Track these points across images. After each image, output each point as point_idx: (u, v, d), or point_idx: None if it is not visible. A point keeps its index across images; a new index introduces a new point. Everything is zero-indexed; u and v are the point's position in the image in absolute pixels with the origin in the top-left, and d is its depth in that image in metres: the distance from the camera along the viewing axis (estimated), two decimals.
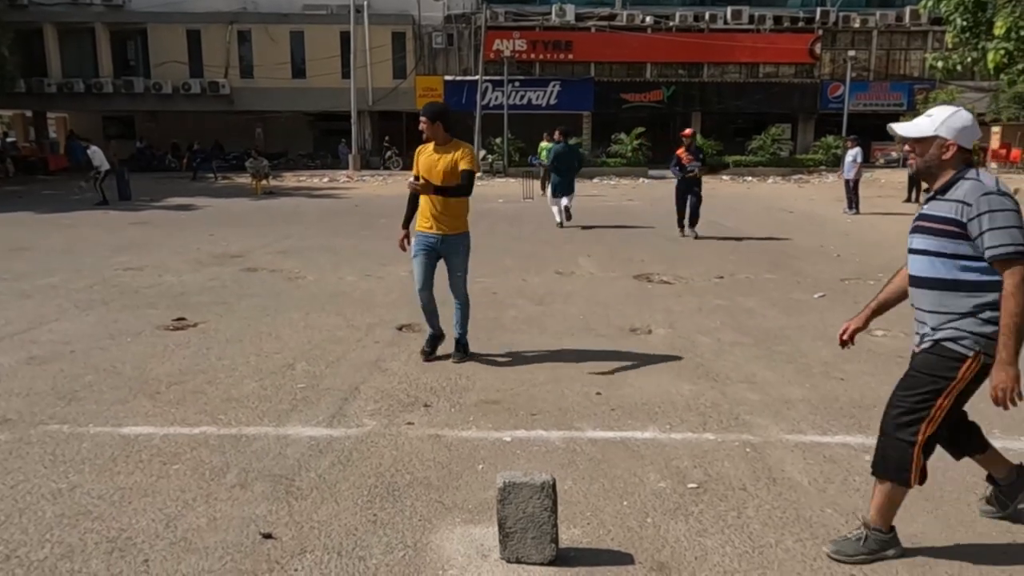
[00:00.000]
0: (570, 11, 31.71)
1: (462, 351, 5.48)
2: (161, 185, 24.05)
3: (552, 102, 32.30)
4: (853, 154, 16.08)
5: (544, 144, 18.45)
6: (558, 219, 13.84)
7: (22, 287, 8.18)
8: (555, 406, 4.53)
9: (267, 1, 31.31)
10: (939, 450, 3.87)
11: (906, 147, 2.83)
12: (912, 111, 30.00)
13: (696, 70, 33.04)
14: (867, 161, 22.86)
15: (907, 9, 31.20)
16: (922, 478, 2.77)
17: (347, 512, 3.25)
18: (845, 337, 3.10)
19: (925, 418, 2.72)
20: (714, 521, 3.17)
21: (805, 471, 3.65)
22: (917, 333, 2.84)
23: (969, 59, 15.62)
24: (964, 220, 2.62)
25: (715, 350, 5.78)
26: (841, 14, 32.43)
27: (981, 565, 2.85)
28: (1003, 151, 29.48)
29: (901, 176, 21.51)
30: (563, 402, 4.60)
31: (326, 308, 7.16)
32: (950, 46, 16.81)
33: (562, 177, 13.85)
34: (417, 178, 5.14)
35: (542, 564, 2.81)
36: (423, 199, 5.21)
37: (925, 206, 2.81)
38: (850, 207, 15.95)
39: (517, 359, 5.53)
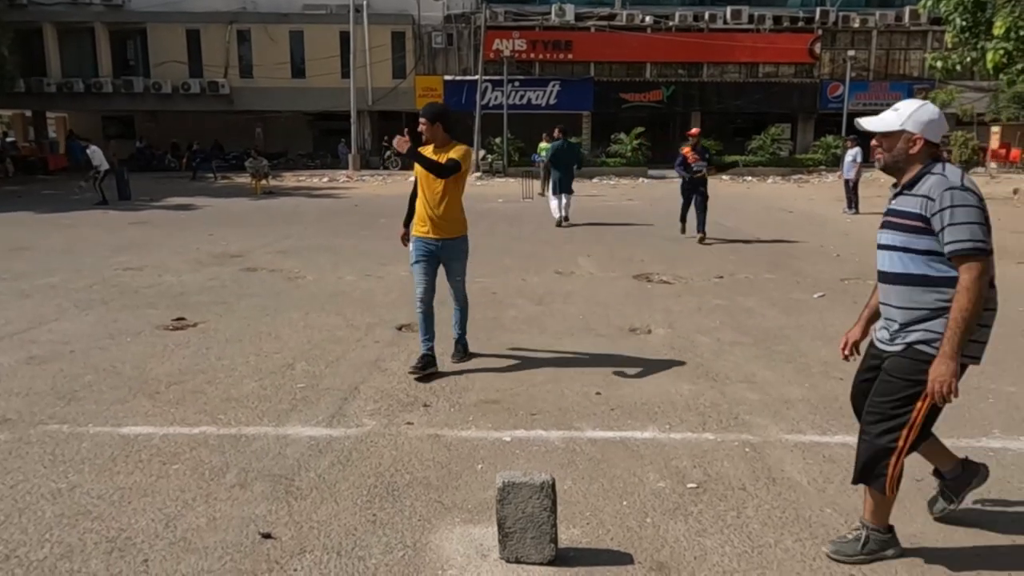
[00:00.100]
0: (570, 11, 31.72)
1: (461, 351, 5.47)
2: (161, 185, 24.05)
3: (552, 102, 32.31)
4: (853, 154, 16.09)
5: (543, 144, 18.52)
6: (556, 215, 13.99)
7: (22, 287, 8.19)
8: (555, 406, 4.53)
9: (267, 1, 31.32)
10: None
11: (873, 142, 2.82)
12: None
13: (696, 70, 33.05)
14: (867, 161, 22.81)
15: (907, 9, 31.22)
16: (895, 486, 2.76)
17: (346, 512, 3.25)
18: (847, 352, 3.09)
19: (905, 424, 2.70)
20: (713, 521, 3.18)
21: (804, 471, 3.65)
22: (884, 328, 2.82)
23: (968, 59, 15.63)
24: (928, 215, 2.61)
25: (715, 350, 5.78)
26: (841, 14, 32.45)
27: (980, 565, 2.85)
28: (1003, 151, 29.50)
29: None
30: (562, 402, 4.60)
31: (326, 308, 7.16)
32: (949, 46, 16.82)
33: (562, 174, 14.11)
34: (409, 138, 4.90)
35: (541, 564, 2.82)
36: (419, 202, 5.14)
37: (893, 201, 2.79)
38: (850, 207, 15.96)
39: (517, 359, 5.53)
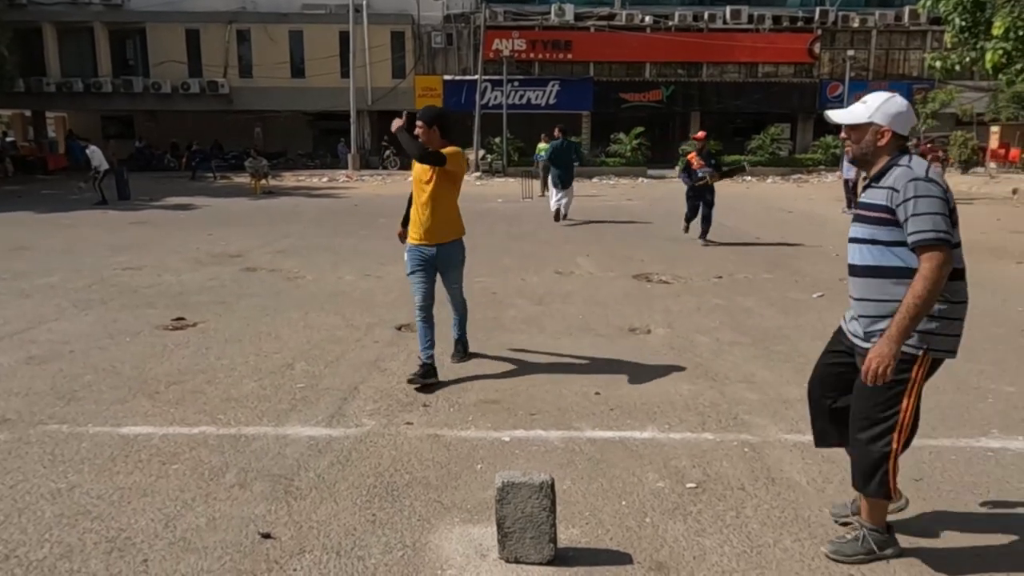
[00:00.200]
0: (569, 11, 31.72)
1: (461, 351, 5.47)
2: (160, 185, 24.04)
3: (551, 102, 32.31)
4: None
5: (542, 145, 18.58)
6: (554, 208, 14.31)
7: (21, 286, 8.18)
8: (554, 406, 4.54)
9: (266, 1, 31.31)
10: (938, 454, 3.89)
11: (842, 134, 2.83)
12: None
13: (695, 70, 33.05)
14: None
15: (906, 9, 31.24)
16: (896, 488, 2.77)
17: (346, 512, 3.25)
18: None
19: (895, 426, 2.70)
20: (712, 521, 3.18)
21: (804, 471, 3.65)
22: (855, 321, 2.82)
23: (968, 59, 15.63)
24: (894, 206, 2.62)
25: (714, 350, 5.78)
26: (840, 14, 32.46)
27: (979, 565, 2.86)
28: (1002, 151, 29.51)
29: None
30: (562, 402, 4.61)
31: (325, 308, 7.17)
32: (949, 46, 16.82)
33: (561, 172, 14.30)
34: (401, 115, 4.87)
35: (541, 564, 2.82)
36: (413, 209, 5.03)
37: (863, 194, 2.80)
38: (849, 207, 15.94)
39: (516, 359, 5.53)
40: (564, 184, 14.27)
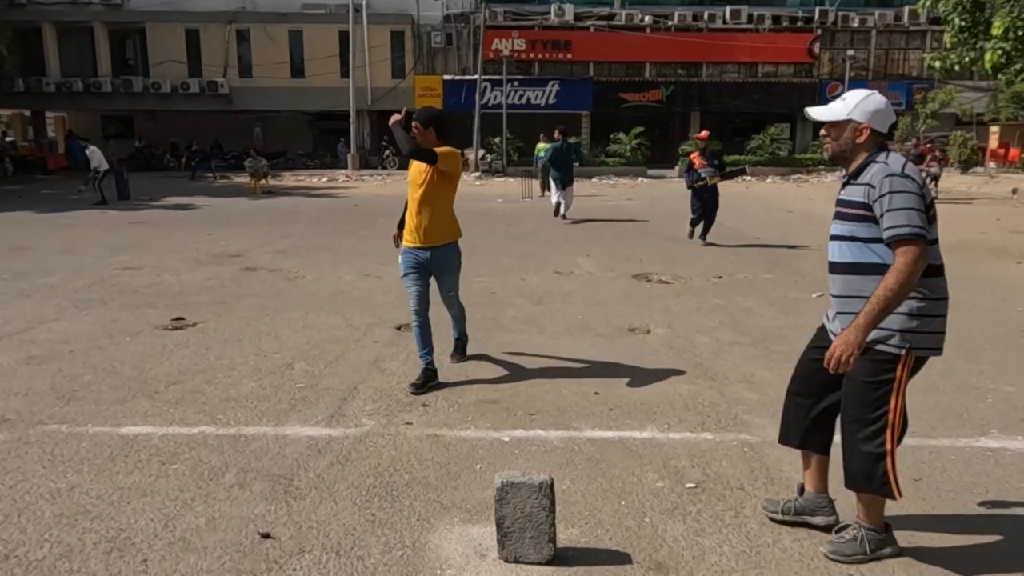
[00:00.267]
0: (569, 11, 31.74)
1: (461, 350, 5.46)
2: (160, 185, 24.04)
3: (551, 102, 32.33)
4: None
5: (542, 145, 18.61)
6: (554, 201, 14.61)
7: (21, 286, 8.18)
8: (553, 406, 4.54)
9: (266, 0, 31.31)
10: (938, 453, 3.89)
11: (822, 132, 2.84)
12: (910, 110, 30.07)
13: (695, 70, 33.06)
14: None
15: (906, 9, 31.27)
16: (899, 486, 2.76)
17: (345, 512, 3.25)
18: None
19: (886, 425, 2.71)
20: (712, 521, 3.18)
21: (803, 470, 3.64)
22: (837, 320, 2.81)
23: (967, 59, 15.63)
24: (870, 202, 2.64)
25: (713, 350, 5.78)
26: (840, 13, 32.48)
27: (978, 565, 2.86)
28: (1001, 150, 29.52)
29: None
30: (561, 402, 4.61)
31: (325, 308, 7.17)
32: (948, 46, 16.82)
33: (561, 172, 14.49)
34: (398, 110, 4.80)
35: (540, 564, 2.82)
36: (408, 212, 4.96)
37: (842, 191, 2.82)
38: None
39: (516, 359, 5.53)
40: (564, 185, 14.46)
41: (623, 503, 3.34)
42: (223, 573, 2.80)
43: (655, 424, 4.26)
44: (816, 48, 32.64)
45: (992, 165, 29.08)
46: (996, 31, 13.71)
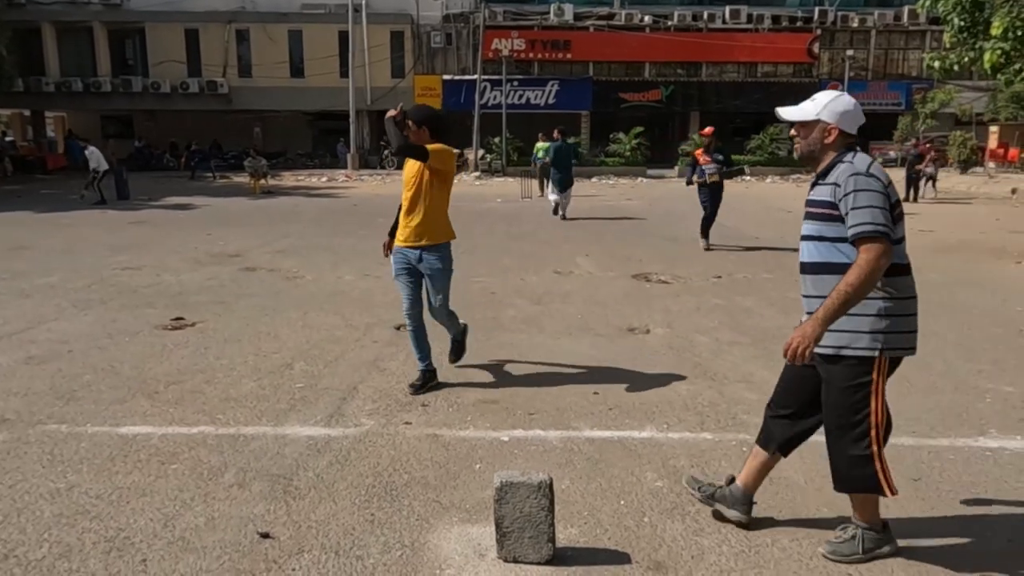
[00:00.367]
0: (568, 10, 31.75)
1: (456, 352, 5.32)
2: (159, 184, 24.05)
3: (551, 101, 32.35)
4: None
5: (540, 144, 18.63)
6: (553, 198, 14.75)
7: (20, 286, 8.18)
8: (553, 405, 4.54)
9: (265, 0, 31.30)
10: (936, 453, 3.90)
11: (792, 131, 2.87)
12: (910, 110, 30.08)
13: (694, 69, 33.08)
14: None
15: (905, 9, 31.30)
16: (892, 483, 2.77)
17: (345, 511, 3.25)
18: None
19: (869, 427, 2.71)
20: (711, 520, 3.18)
21: (802, 470, 3.65)
22: (808, 313, 2.80)
23: (966, 59, 15.63)
24: (836, 201, 2.66)
25: (713, 349, 5.79)
26: (839, 13, 32.51)
27: (977, 565, 2.86)
28: (1001, 150, 29.55)
29: (899, 175, 21.54)
30: (561, 401, 4.61)
31: (324, 308, 7.17)
32: (948, 46, 16.82)
33: (561, 172, 14.59)
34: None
35: (539, 563, 2.82)
36: (401, 209, 4.90)
37: (811, 191, 2.84)
38: None
39: (515, 358, 5.54)
40: (564, 186, 14.54)
41: (622, 503, 3.34)
42: (222, 573, 2.80)
43: (654, 424, 4.26)
44: (816, 48, 32.67)
45: (991, 165, 29.10)
46: (995, 31, 13.70)
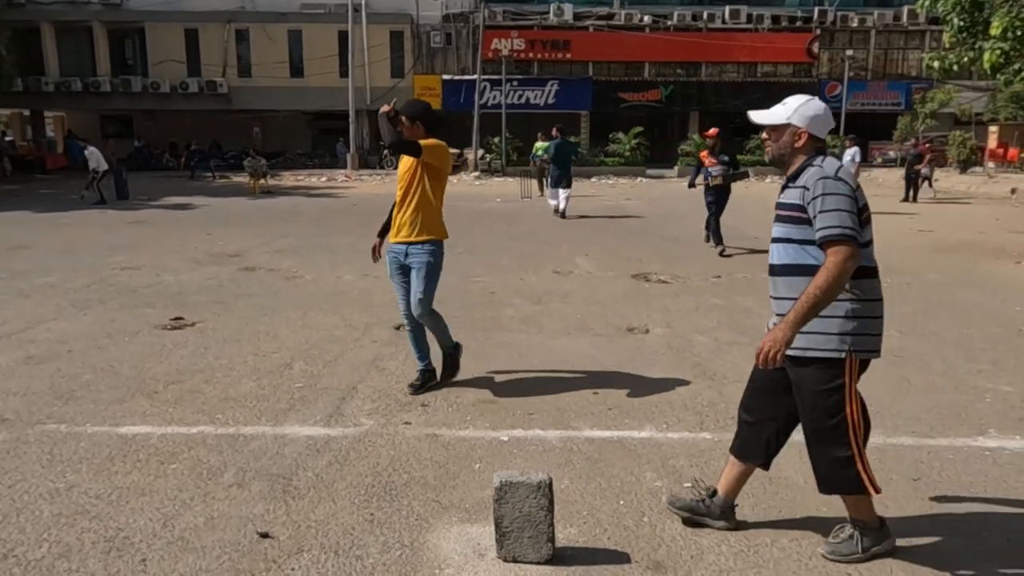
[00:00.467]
0: (568, 10, 31.76)
1: (450, 367, 4.98)
2: (159, 184, 24.04)
3: (550, 101, 32.35)
4: (851, 153, 16.09)
5: (539, 144, 18.64)
6: (553, 203, 14.77)
7: (20, 286, 8.18)
8: (552, 405, 4.54)
9: (265, 0, 31.30)
10: (936, 453, 3.90)
11: (763, 135, 2.89)
12: (909, 110, 30.08)
13: (694, 69, 33.09)
14: (865, 160, 22.90)
15: (905, 9, 31.32)
16: (874, 482, 2.77)
17: (344, 511, 3.25)
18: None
19: (847, 428, 2.72)
20: None
21: (801, 470, 3.64)
22: (778, 315, 2.81)
23: (966, 59, 15.63)
24: (805, 204, 2.68)
25: (712, 349, 5.79)
26: (839, 13, 32.52)
27: (977, 565, 2.86)
28: (1000, 150, 29.56)
29: (899, 175, 21.55)
30: (560, 401, 4.61)
31: (324, 307, 7.17)
32: (947, 46, 16.83)
33: (560, 170, 14.68)
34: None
35: (538, 563, 2.82)
36: (395, 208, 4.88)
37: (781, 194, 2.85)
38: None
39: (514, 358, 5.54)
40: (563, 184, 14.60)
41: (622, 502, 3.34)
42: (222, 572, 2.80)
43: (653, 423, 4.26)
44: (815, 48, 32.68)
45: (991, 165, 29.11)
46: (995, 31, 13.71)
